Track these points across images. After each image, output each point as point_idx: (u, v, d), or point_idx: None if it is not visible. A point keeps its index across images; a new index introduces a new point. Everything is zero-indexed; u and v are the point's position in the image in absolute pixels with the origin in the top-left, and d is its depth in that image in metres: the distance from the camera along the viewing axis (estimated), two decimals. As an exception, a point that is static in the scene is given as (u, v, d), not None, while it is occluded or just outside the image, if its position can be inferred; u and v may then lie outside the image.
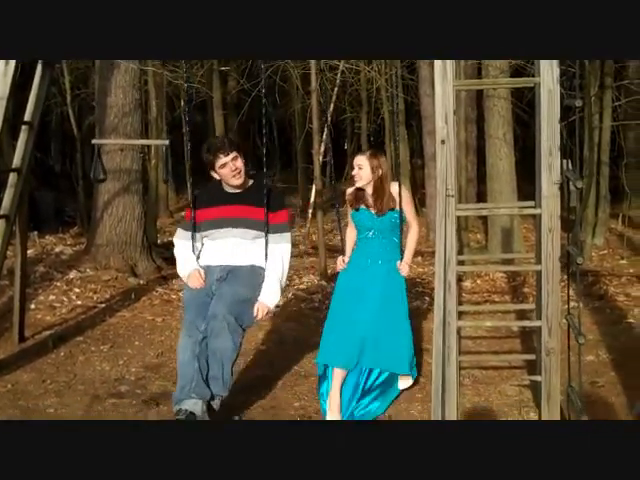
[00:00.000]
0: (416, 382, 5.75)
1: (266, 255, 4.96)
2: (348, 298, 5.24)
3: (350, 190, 5.37)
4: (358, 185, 5.26)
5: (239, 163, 4.94)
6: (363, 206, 5.30)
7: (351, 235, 5.51)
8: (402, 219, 5.27)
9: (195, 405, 4.57)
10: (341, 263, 5.39)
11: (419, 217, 6.20)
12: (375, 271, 5.25)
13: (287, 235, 5.05)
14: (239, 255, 4.98)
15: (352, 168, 5.34)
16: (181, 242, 5.15)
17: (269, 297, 4.93)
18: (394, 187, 5.26)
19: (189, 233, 5.07)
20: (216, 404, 4.73)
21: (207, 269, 5.01)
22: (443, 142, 4.60)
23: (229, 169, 4.92)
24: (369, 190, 5.27)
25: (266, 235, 4.94)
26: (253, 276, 4.93)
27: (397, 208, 5.23)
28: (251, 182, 5.12)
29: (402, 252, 5.32)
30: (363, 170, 5.21)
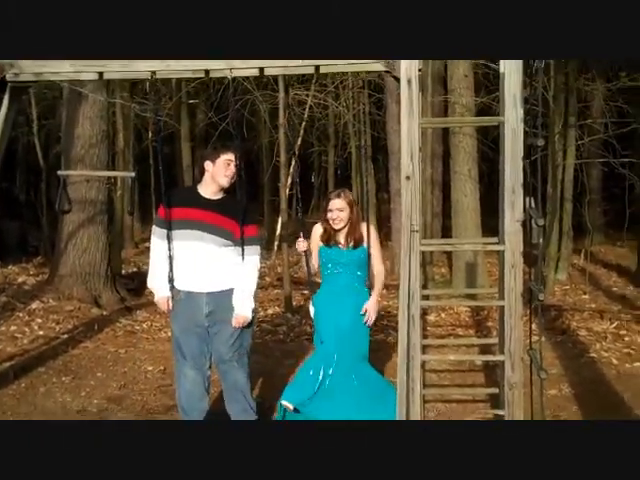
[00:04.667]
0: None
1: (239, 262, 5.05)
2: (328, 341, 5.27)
3: (320, 229, 5.45)
4: (338, 227, 5.34)
5: (235, 169, 5.02)
6: (333, 243, 5.39)
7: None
8: (368, 256, 5.35)
9: None
10: (301, 242, 5.33)
11: (384, 250, 6.26)
12: (346, 301, 5.32)
13: (257, 247, 5.14)
14: (217, 278, 5.01)
15: (327, 211, 5.35)
16: (157, 242, 5.09)
17: (246, 309, 5.02)
18: (363, 225, 5.38)
19: (164, 231, 5.02)
20: None
21: (189, 296, 5.02)
22: (408, 178, 4.65)
23: (225, 167, 4.98)
24: (344, 229, 5.37)
25: (242, 246, 5.00)
26: None
27: (365, 245, 5.34)
28: (224, 195, 5.13)
29: (369, 288, 5.40)
30: (344, 212, 5.31)
